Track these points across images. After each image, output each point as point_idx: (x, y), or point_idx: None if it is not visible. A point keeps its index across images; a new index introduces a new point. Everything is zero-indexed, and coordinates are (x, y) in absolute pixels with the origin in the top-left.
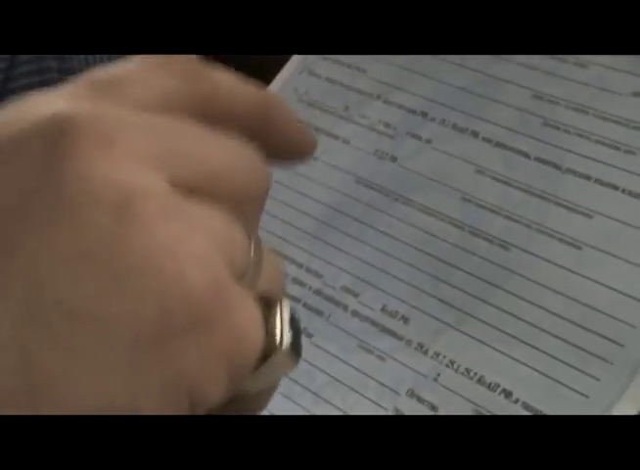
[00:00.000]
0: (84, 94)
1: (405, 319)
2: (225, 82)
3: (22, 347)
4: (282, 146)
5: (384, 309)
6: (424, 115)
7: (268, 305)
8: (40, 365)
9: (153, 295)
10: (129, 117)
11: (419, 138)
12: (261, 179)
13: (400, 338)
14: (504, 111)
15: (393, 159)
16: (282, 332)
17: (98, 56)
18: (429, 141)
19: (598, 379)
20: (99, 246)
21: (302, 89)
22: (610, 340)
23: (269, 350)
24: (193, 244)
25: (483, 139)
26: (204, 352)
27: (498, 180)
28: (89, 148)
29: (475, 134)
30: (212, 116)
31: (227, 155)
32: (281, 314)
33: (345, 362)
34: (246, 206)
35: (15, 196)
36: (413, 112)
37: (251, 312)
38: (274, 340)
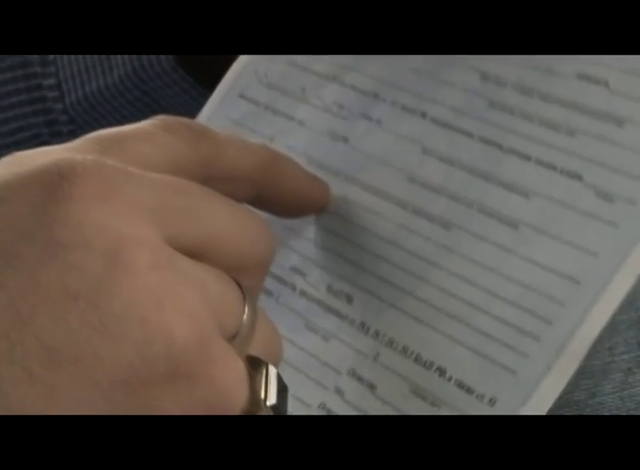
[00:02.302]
0: (91, 148)
1: (349, 298)
2: (229, 143)
3: None
4: (291, 201)
5: (329, 289)
6: (376, 96)
7: (256, 365)
8: (17, 402)
9: (134, 342)
10: (132, 171)
11: (370, 119)
12: (265, 247)
13: (344, 317)
14: (452, 92)
15: (345, 140)
16: (267, 391)
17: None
18: (379, 122)
19: (527, 355)
20: (85, 288)
21: (262, 71)
22: (540, 318)
23: (253, 407)
24: (181, 297)
25: (432, 120)
26: (182, 403)
27: (443, 160)
28: (86, 194)
29: (423, 115)
30: (218, 175)
31: (231, 219)
32: (267, 374)
33: (293, 343)
34: (246, 270)
35: (8, 234)
36: (366, 93)
37: (236, 369)
38: (258, 398)
